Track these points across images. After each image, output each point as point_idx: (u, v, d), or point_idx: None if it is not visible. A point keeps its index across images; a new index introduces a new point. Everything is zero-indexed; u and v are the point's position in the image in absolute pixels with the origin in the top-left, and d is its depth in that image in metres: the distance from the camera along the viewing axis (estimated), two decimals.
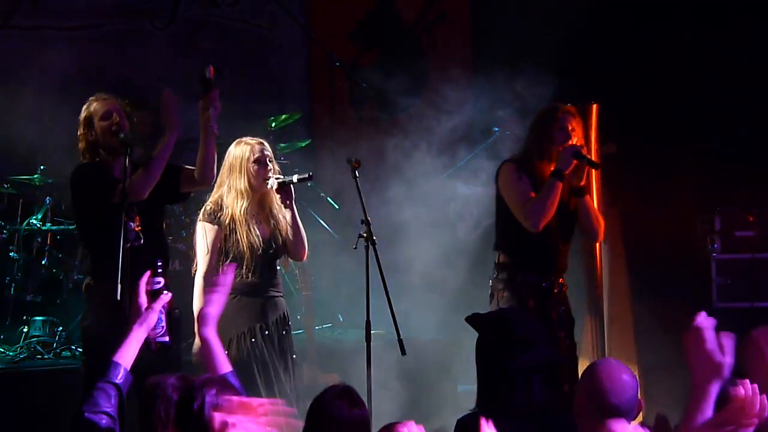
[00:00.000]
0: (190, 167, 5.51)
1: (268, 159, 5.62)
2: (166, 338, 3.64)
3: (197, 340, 5.07)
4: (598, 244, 6.10)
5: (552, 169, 5.48)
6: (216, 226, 5.55)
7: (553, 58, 8.74)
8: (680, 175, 8.23)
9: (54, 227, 7.42)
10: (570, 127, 5.53)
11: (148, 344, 3.67)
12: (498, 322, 3.78)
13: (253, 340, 5.56)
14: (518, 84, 9.04)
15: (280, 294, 5.79)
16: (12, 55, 8.29)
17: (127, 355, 3.55)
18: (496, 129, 8.19)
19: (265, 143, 5.71)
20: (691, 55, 8.74)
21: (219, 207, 5.57)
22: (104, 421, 3.38)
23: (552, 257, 5.63)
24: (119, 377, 3.49)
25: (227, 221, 5.54)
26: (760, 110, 8.43)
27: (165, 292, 3.75)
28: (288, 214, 5.68)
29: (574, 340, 5.67)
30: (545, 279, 5.58)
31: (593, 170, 5.71)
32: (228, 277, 4.07)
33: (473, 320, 3.77)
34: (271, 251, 5.66)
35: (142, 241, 5.03)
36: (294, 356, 5.80)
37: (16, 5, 7.35)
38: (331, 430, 3.57)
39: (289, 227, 5.68)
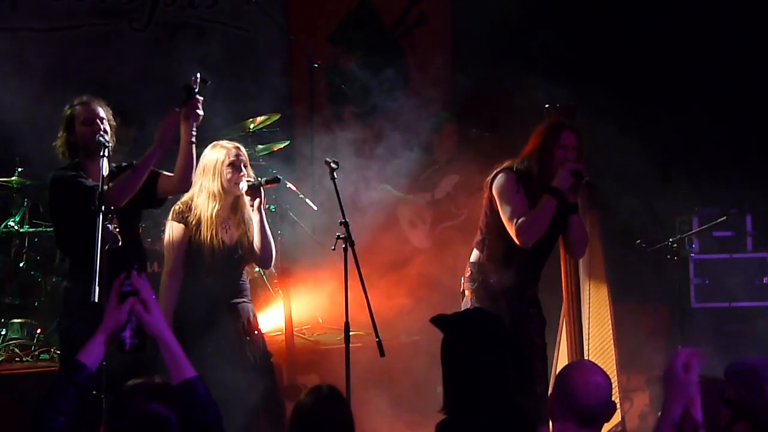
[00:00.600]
0: (168, 173, 5.50)
1: (242, 164, 5.63)
2: (137, 340, 3.60)
3: None
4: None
5: (550, 185, 5.45)
6: (182, 226, 5.58)
7: (533, 59, 8.78)
8: (659, 176, 8.27)
9: (32, 230, 7.39)
10: (572, 145, 5.51)
11: (120, 346, 3.64)
12: (462, 323, 3.77)
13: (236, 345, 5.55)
14: (498, 85, 9.10)
15: (244, 300, 5.77)
16: None
17: (91, 354, 3.51)
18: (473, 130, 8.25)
19: (241, 148, 5.72)
20: (669, 54, 8.78)
21: (188, 207, 5.61)
22: (60, 420, 3.34)
23: (530, 267, 5.64)
24: (81, 377, 3.45)
25: (194, 222, 5.58)
26: (737, 111, 8.48)
27: (131, 297, 3.71)
28: (256, 218, 5.69)
29: (545, 339, 5.68)
30: (519, 284, 5.58)
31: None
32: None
33: (438, 321, 3.76)
34: (236, 256, 5.67)
35: (119, 243, 5.01)
36: (270, 358, 5.80)
37: None
38: (315, 430, 3.57)
39: (257, 232, 5.69)
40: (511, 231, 5.43)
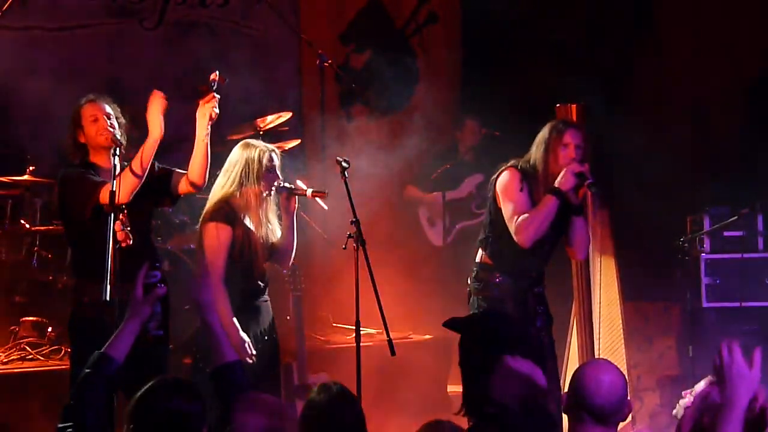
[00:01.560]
0: (181, 171, 5.50)
1: (277, 167, 5.64)
2: (161, 332, 3.66)
3: None
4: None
5: (553, 185, 5.45)
6: (229, 227, 5.49)
7: (544, 57, 8.78)
8: (670, 175, 8.25)
9: (43, 228, 7.40)
10: (576, 144, 5.50)
11: (144, 337, 3.68)
12: (476, 325, 3.77)
13: (259, 346, 5.56)
14: (509, 84, 9.09)
15: (266, 300, 5.79)
16: (2, 55, 8.27)
17: (119, 348, 3.54)
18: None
19: (277, 150, 5.71)
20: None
21: (231, 208, 5.53)
22: (90, 414, 3.37)
23: (533, 267, 5.65)
24: (110, 369, 3.47)
25: (240, 224, 5.52)
26: (748, 110, 8.46)
27: (160, 285, 3.77)
28: (288, 221, 5.68)
29: (552, 337, 5.67)
30: (522, 283, 5.58)
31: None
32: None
33: (451, 324, 3.76)
34: (268, 256, 5.70)
35: (130, 241, 5.03)
36: (278, 365, 5.83)
37: (4, 5, 7.33)
38: (326, 429, 3.56)
39: (285, 233, 5.68)
40: (512, 229, 5.44)
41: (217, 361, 3.80)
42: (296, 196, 5.68)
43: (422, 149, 8.70)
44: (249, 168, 5.55)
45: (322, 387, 3.70)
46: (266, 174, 5.55)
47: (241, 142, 5.70)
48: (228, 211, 5.52)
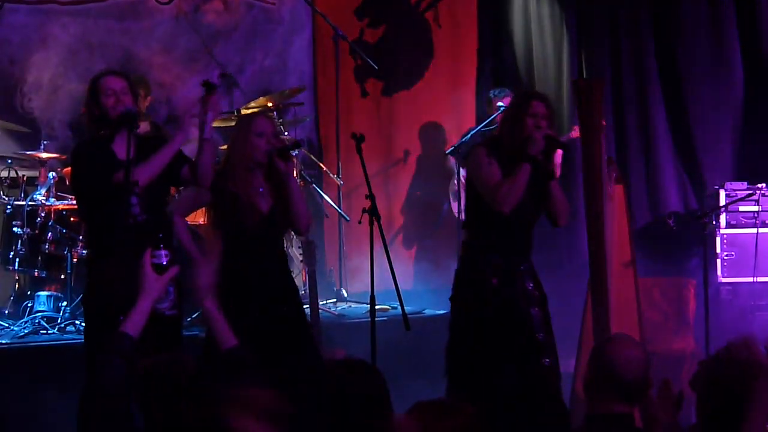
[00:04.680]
0: (191, 162, 5.45)
1: (273, 132, 5.60)
2: (176, 311, 3.63)
3: None
4: (600, 224, 6.06)
5: (522, 153, 5.48)
6: (209, 191, 5.48)
7: (560, 32, 8.73)
8: (686, 150, 8.22)
9: (58, 202, 7.41)
10: (542, 113, 5.54)
11: (158, 317, 3.65)
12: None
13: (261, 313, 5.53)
14: (527, 58, 9.05)
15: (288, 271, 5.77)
16: (16, 29, 8.27)
17: (134, 323, 3.53)
18: (501, 105, 8.17)
19: (270, 115, 5.69)
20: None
21: (222, 175, 5.51)
22: (109, 389, 3.37)
23: (516, 239, 5.66)
24: (125, 346, 3.47)
25: (229, 192, 5.49)
26: (763, 84, 8.42)
27: (172, 265, 3.74)
28: (289, 184, 5.60)
29: (547, 311, 5.66)
30: (508, 259, 5.59)
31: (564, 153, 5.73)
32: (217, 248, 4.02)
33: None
34: (273, 226, 5.64)
35: (144, 217, 5.01)
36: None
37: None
38: (350, 406, 3.39)
39: (288, 195, 5.60)
40: (488, 198, 5.50)
41: (218, 348, 3.72)
42: (290, 157, 5.61)
43: (438, 124, 8.67)
44: (238, 136, 5.57)
45: (341, 361, 3.63)
46: (255, 140, 5.52)
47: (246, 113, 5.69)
48: (216, 177, 5.46)
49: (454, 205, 8.68)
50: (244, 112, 7.38)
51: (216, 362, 3.77)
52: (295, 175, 5.63)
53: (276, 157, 5.51)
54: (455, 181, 8.54)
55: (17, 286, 7.59)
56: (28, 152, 7.69)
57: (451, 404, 3.18)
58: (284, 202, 5.57)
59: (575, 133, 7.58)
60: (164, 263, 3.60)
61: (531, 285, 5.63)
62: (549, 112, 5.58)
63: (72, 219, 7.32)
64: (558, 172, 5.67)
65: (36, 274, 7.39)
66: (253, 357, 3.48)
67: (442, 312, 7.56)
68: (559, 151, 5.69)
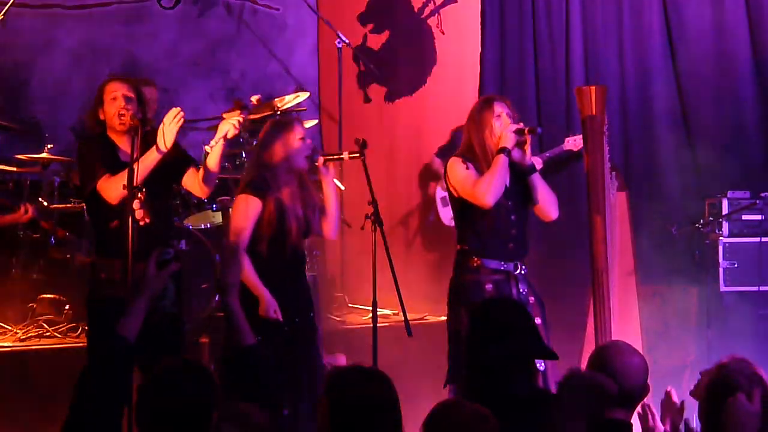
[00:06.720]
0: (194, 168, 5.46)
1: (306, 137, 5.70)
2: (175, 309, 3.64)
3: None
4: (605, 231, 6.06)
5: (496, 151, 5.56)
6: (260, 200, 5.52)
7: (562, 39, 8.72)
8: (689, 158, 8.21)
9: (61, 206, 7.42)
10: (506, 113, 5.65)
11: (157, 315, 3.66)
12: (482, 314, 3.74)
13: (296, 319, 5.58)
14: (530, 65, 9.04)
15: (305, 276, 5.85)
16: (21, 33, 8.28)
17: (129, 326, 3.52)
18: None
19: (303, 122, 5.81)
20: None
21: (264, 181, 5.56)
22: (102, 392, 3.37)
23: (507, 242, 5.67)
24: (120, 348, 3.46)
25: (274, 199, 5.54)
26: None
27: (173, 262, 3.76)
28: (329, 189, 5.72)
29: (545, 319, 5.66)
30: (501, 263, 5.61)
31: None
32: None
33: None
34: (305, 230, 5.71)
35: (148, 220, 5.03)
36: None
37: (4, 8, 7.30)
38: (358, 413, 3.31)
39: (327, 200, 5.73)
40: (472, 198, 5.56)
41: (234, 343, 3.75)
42: (332, 162, 5.76)
43: (440, 130, 8.67)
44: (281, 143, 5.60)
45: (348, 369, 3.57)
46: (298, 146, 5.58)
47: (272, 119, 5.74)
48: (258, 184, 5.54)
49: (444, 211, 8.68)
50: (249, 118, 7.38)
51: (234, 356, 3.79)
52: (529, 155, 5.65)
53: (321, 164, 5.66)
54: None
55: (20, 289, 7.59)
56: (31, 155, 7.70)
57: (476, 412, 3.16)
58: (313, 207, 5.67)
59: (567, 144, 7.58)
60: (167, 258, 3.63)
61: (525, 290, 5.65)
62: (512, 110, 5.69)
63: (74, 221, 7.33)
64: (529, 158, 5.69)
65: (39, 276, 7.40)
66: (271, 356, 3.50)
67: (443, 318, 7.57)
68: (529, 139, 5.69)
